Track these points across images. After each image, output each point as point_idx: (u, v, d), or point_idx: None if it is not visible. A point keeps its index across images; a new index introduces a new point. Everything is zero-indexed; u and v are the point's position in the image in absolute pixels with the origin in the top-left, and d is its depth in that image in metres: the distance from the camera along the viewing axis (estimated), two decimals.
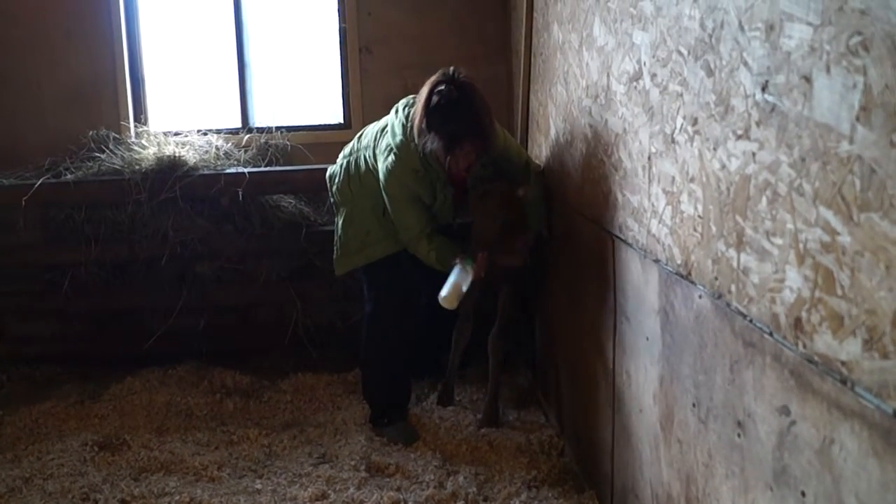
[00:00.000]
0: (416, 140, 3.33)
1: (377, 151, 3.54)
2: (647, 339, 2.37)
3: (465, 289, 3.42)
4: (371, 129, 3.71)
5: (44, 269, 4.75)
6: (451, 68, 3.31)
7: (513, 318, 3.89)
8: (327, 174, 3.85)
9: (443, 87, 3.26)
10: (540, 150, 3.92)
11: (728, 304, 1.79)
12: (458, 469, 3.34)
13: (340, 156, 3.81)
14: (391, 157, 3.43)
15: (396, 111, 3.52)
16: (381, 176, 3.49)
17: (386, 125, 3.56)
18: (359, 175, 3.64)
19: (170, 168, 4.47)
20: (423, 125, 3.28)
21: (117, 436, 3.73)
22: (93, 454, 3.57)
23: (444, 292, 3.41)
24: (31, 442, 3.75)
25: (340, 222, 3.73)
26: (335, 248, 3.77)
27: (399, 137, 3.41)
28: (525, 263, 3.67)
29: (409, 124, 3.39)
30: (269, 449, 3.64)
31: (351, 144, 3.78)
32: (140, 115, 5.08)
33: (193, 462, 3.47)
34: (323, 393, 4.26)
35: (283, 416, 4.03)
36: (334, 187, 3.77)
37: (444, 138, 3.25)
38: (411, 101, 3.47)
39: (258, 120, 5.17)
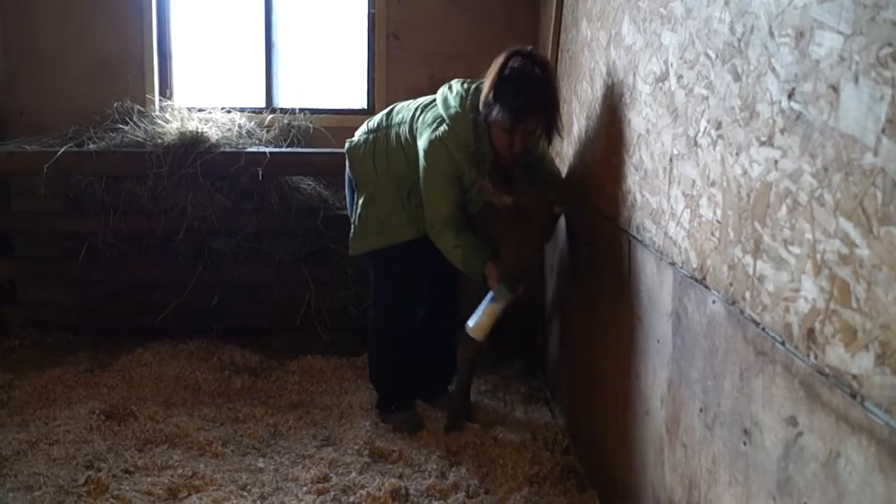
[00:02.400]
0: (481, 110, 3.17)
1: (418, 124, 3.36)
2: (658, 341, 2.36)
3: (495, 320, 3.25)
4: (406, 106, 3.53)
5: (61, 237, 4.80)
6: (529, 47, 3.19)
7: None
8: (347, 147, 3.64)
9: (519, 60, 3.14)
10: (562, 147, 3.91)
11: (741, 311, 1.77)
12: (460, 460, 3.35)
13: (361, 130, 3.63)
14: (443, 128, 3.25)
15: (450, 87, 3.36)
16: (423, 146, 3.28)
17: (429, 101, 3.41)
18: (387, 152, 3.47)
19: (192, 144, 4.48)
20: (491, 96, 3.12)
21: (124, 406, 3.76)
22: (99, 423, 3.60)
23: (472, 321, 3.27)
24: (39, 407, 3.79)
25: (361, 201, 3.54)
26: (352, 226, 3.61)
27: (454, 109, 3.25)
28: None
29: (467, 97, 3.25)
30: (273, 428, 3.65)
31: (377, 120, 3.59)
32: (165, 90, 5.10)
33: (198, 437, 3.49)
34: (331, 376, 4.28)
35: (289, 397, 4.04)
36: (356, 162, 3.58)
37: (511, 110, 3.10)
38: (467, 80, 3.35)
39: (282, 101, 5.18)
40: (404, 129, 3.42)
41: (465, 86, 3.31)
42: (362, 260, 3.78)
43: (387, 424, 3.68)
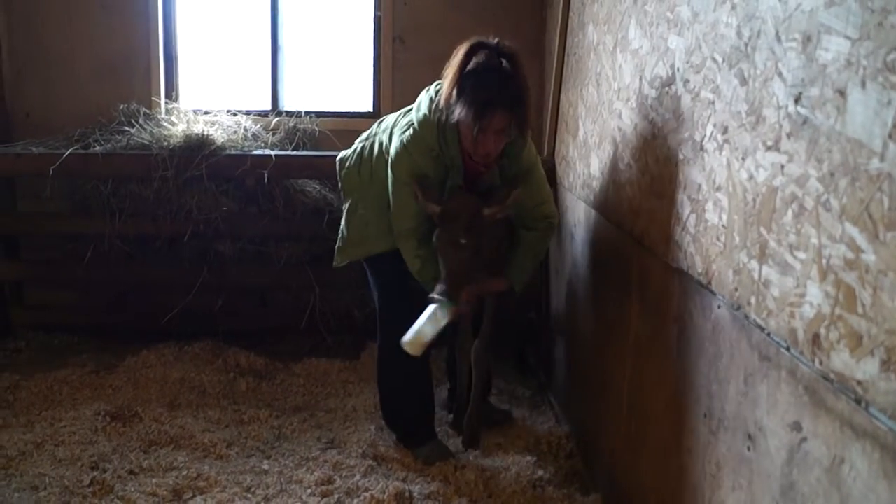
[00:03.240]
0: (443, 111, 2.96)
1: (394, 130, 3.20)
2: (663, 345, 2.36)
3: (433, 336, 3.04)
4: (393, 114, 3.39)
5: (67, 239, 4.80)
6: (495, 39, 2.92)
7: (498, 328, 3.51)
8: (338, 157, 3.55)
9: (483, 53, 2.91)
10: (567, 151, 3.91)
11: (746, 316, 1.77)
12: (465, 464, 3.34)
13: (357, 141, 3.53)
14: (409, 132, 3.07)
15: (428, 90, 3.17)
16: (391, 152, 3.14)
17: (411, 107, 3.23)
18: (371, 161, 3.33)
19: (197, 146, 4.48)
20: (454, 92, 2.89)
21: (130, 408, 3.76)
22: (104, 424, 3.60)
23: (408, 336, 3.05)
24: (45, 408, 3.80)
25: (345, 211, 3.47)
26: (338, 237, 3.52)
27: (422, 112, 3.07)
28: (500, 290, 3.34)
29: (437, 98, 3.03)
30: (278, 431, 3.66)
31: (370, 129, 3.49)
32: (171, 92, 5.10)
33: (203, 438, 3.49)
34: (335, 379, 4.29)
35: (294, 400, 4.05)
36: (343, 171, 3.49)
37: (474, 105, 2.84)
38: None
39: (288, 103, 5.18)
40: (385, 137, 3.29)
41: (438, 87, 3.11)
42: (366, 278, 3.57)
43: (416, 459, 3.43)
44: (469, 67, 2.90)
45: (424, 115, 3.07)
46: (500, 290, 3.34)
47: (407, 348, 3.08)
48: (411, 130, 3.09)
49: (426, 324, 3.05)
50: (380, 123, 3.46)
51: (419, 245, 3.18)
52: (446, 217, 3.04)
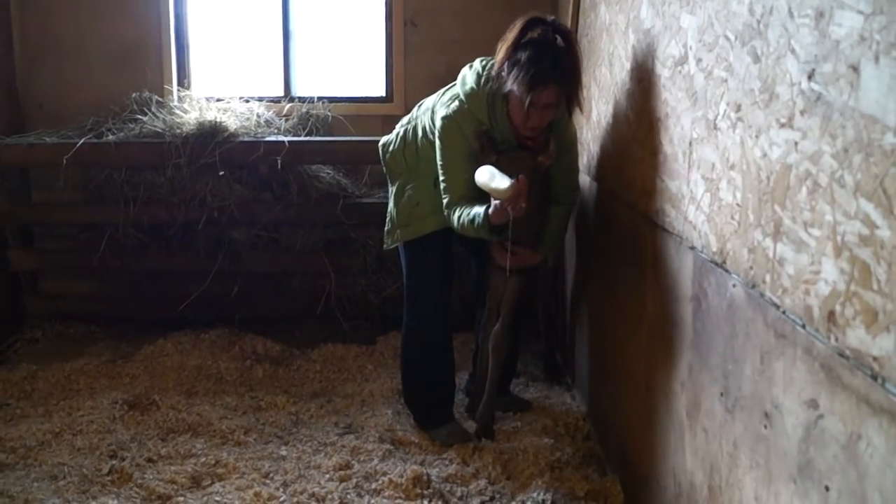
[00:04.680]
0: (495, 81, 3.04)
1: (437, 107, 3.25)
2: (678, 325, 2.36)
3: (496, 186, 2.88)
4: (432, 96, 3.43)
5: (82, 228, 4.82)
6: (551, 17, 3.04)
7: (518, 312, 3.54)
8: (381, 142, 3.58)
9: (539, 28, 3.00)
10: (581, 132, 3.89)
11: (762, 295, 1.76)
12: (482, 447, 3.35)
13: (398, 125, 3.55)
14: (455, 104, 3.14)
15: (471, 66, 3.23)
16: (437, 125, 3.18)
17: (450, 86, 3.31)
18: (415, 143, 3.36)
19: (210, 133, 4.49)
20: (507, 63, 2.98)
21: (147, 396, 3.79)
22: (122, 413, 3.63)
23: (482, 174, 3.00)
24: (63, 398, 3.83)
25: (393, 193, 3.49)
26: (386, 220, 3.53)
27: (469, 86, 3.14)
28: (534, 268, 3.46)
29: (484, 74, 3.11)
30: (295, 417, 3.68)
31: (410, 114, 3.52)
32: (183, 80, 5.10)
33: (220, 426, 3.52)
34: (352, 364, 4.30)
35: (311, 386, 4.06)
36: (387, 156, 3.51)
37: (528, 78, 2.91)
38: (489, 58, 3.18)
39: (300, 89, 5.17)
40: (427, 118, 3.33)
41: (484, 63, 3.19)
42: (399, 259, 3.59)
43: (406, 411, 3.64)
44: (525, 38, 2.99)
45: (472, 87, 3.14)
46: (536, 262, 3.42)
47: (477, 175, 3.03)
48: (457, 103, 3.16)
49: (498, 173, 2.95)
50: (419, 106, 3.50)
51: (458, 211, 3.14)
52: (503, 154, 3.13)
